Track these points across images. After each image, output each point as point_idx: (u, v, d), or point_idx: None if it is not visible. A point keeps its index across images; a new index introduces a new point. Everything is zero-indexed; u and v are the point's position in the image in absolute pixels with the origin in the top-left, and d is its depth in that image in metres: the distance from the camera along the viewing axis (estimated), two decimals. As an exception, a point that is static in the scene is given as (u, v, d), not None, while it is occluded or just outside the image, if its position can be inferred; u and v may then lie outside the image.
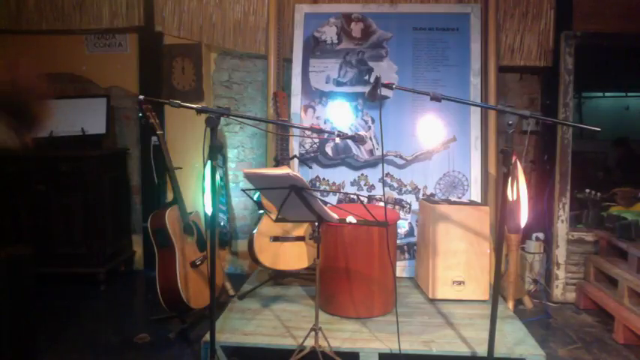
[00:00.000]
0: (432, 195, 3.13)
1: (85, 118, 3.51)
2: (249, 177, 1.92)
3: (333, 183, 3.22)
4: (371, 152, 3.21)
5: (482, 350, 2.03)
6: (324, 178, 3.22)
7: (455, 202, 2.79)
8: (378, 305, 2.45)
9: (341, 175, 3.22)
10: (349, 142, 3.17)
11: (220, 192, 3.51)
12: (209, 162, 1.79)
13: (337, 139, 2.13)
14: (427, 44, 3.25)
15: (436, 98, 1.80)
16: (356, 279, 2.42)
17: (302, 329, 2.19)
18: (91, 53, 3.73)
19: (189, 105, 1.79)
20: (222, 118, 1.81)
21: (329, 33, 3.30)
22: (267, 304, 2.60)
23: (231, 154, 3.72)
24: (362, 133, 3.13)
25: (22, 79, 0.95)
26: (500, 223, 1.84)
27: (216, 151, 1.77)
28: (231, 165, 3.72)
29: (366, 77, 3.24)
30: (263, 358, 2.24)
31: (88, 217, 3.31)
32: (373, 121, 3.22)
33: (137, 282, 3.60)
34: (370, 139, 3.20)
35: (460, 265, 2.63)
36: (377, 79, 1.94)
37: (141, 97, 2.00)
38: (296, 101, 3.26)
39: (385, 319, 2.42)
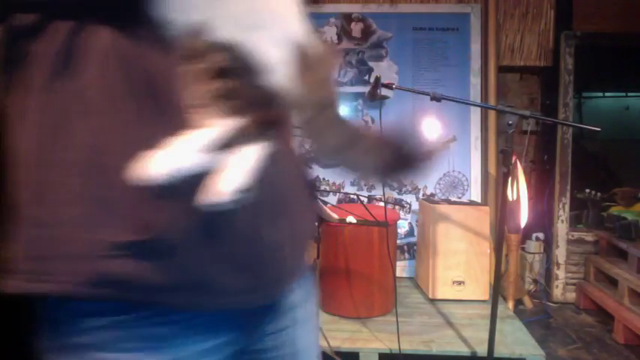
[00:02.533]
0: (432, 195, 3.13)
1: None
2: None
3: (333, 183, 3.22)
4: (371, 152, 3.21)
5: (482, 350, 2.03)
6: (324, 178, 3.22)
7: (455, 202, 2.79)
8: (377, 305, 2.45)
9: (341, 175, 3.22)
10: (349, 142, 3.16)
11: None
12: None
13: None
14: (427, 44, 3.25)
15: (436, 98, 1.80)
16: (356, 279, 2.42)
17: (302, 329, 2.18)
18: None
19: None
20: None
21: (329, 33, 3.30)
22: (267, 304, 2.60)
23: (231, 154, 3.72)
24: (362, 133, 3.13)
25: None
26: (500, 223, 1.84)
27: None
28: (231, 165, 3.72)
29: (366, 77, 3.24)
30: (263, 358, 2.23)
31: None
32: (373, 121, 3.21)
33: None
34: (370, 139, 3.19)
35: (460, 265, 2.63)
36: (377, 79, 1.94)
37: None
38: (296, 101, 3.25)
39: (385, 319, 2.42)
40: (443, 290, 2.64)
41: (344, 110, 3.22)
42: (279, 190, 0.61)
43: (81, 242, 0.50)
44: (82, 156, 0.49)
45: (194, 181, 0.46)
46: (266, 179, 0.54)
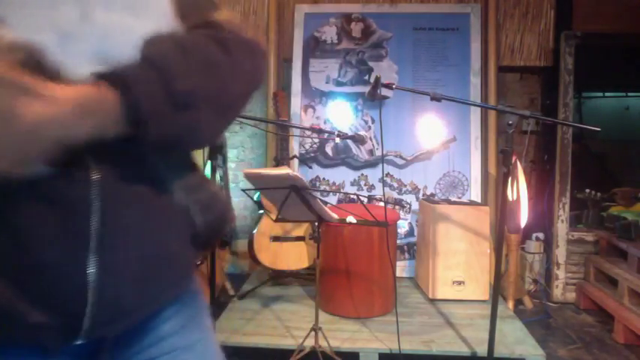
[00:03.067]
0: (432, 195, 3.13)
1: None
2: (249, 177, 1.92)
3: (333, 183, 3.22)
4: (371, 152, 3.21)
5: (482, 350, 2.03)
6: (324, 178, 3.22)
7: (455, 202, 2.79)
8: (378, 305, 2.45)
9: (341, 175, 3.22)
10: (349, 142, 3.16)
11: (220, 192, 3.50)
12: (209, 162, 1.79)
13: (337, 139, 2.13)
14: (427, 44, 3.25)
15: (436, 98, 1.80)
16: (356, 279, 2.42)
17: (302, 329, 2.18)
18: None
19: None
20: (222, 118, 1.81)
21: (329, 33, 3.30)
22: (267, 304, 2.60)
23: (231, 154, 3.72)
24: (362, 133, 3.12)
25: None
26: (500, 223, 1.84)
27: (217, 151, 1.77)
28: (231, 165, 3.72)
29: (366, 77, 3.24)
30: (263, 358, 2.24)
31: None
32: (373, 121, 3.22)
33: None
34: (370, 139, 3.19)
35: (460, 265, 2.63)
36: (377, 79, 1.94)
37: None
38: (296, 101, 3.26)
39: (385, 319, 2.42)
40: (443, 290, 2.64)
41: (344, 110, 3.22)
42: (94, 222, 0.57)
43: None
44: None
45: None
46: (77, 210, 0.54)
